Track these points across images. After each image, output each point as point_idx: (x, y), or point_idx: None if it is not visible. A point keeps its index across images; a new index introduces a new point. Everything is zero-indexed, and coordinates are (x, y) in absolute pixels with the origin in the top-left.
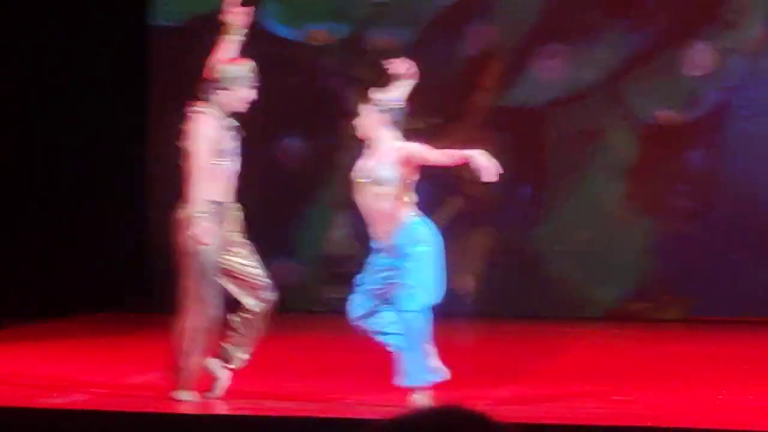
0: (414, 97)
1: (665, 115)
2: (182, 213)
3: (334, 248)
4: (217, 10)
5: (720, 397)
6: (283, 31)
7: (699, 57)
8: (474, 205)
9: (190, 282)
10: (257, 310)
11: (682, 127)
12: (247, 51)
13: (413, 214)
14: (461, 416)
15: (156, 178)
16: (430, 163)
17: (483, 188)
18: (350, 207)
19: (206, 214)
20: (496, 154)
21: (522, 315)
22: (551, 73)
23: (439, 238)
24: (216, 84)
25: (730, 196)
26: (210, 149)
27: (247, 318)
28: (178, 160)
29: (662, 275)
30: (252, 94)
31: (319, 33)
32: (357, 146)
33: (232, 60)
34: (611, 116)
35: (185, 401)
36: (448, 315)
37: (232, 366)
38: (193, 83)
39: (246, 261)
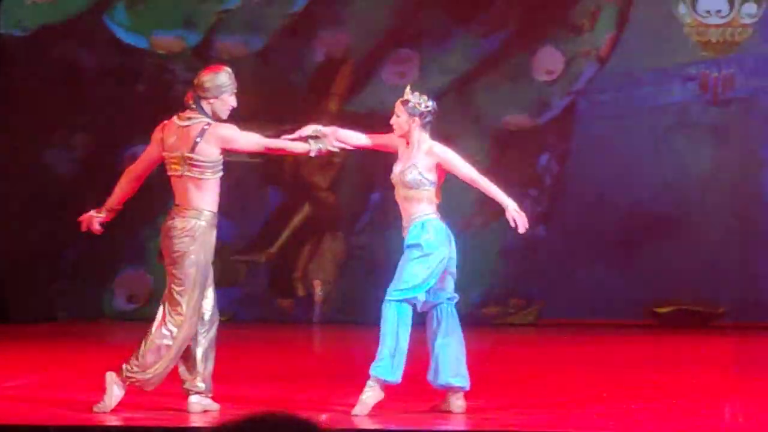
0: (264, 103)
1: (515, 119)
2: (182, 222)
3: None
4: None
5: (605, 394)
6: (130, 39)
7: (548, 61)
8: (325, 211)
9: (188, 292)
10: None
11: (531, 131)
12: (93, 59)
13: (428, 213)
14: (288, 422)
15: None
16: (459, 176)
17: (333, 195)
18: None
19: (207, 224)
20: (345, 158)
21: (372, 322)
22: (401, 79)
23: (448, 246)
24: (204, 94)
25: (576, 199)
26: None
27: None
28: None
29: (512, 279)
30: (234, 101)
31: (167, 41)
32: None
33: (210, 69)
34: (462, 121)
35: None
36: (301, 321)
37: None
38: (39, 91)
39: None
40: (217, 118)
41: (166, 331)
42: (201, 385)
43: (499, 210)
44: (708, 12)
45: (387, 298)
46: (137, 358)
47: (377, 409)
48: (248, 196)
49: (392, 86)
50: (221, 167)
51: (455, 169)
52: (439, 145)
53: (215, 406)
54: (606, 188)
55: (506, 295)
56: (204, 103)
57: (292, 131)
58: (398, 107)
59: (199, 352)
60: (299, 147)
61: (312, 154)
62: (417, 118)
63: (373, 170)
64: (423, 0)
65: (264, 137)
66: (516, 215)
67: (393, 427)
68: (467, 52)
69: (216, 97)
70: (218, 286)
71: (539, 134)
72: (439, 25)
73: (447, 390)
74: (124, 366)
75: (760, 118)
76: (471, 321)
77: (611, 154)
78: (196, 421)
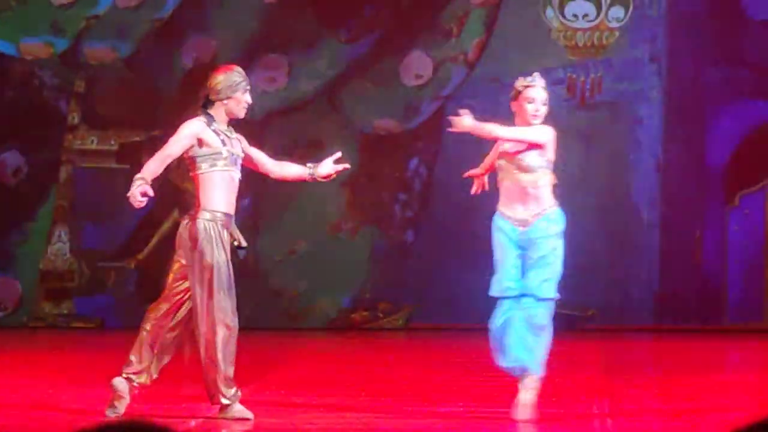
0: (133, 109)
1: (384, 124)
2: (197, 224)
3: (52, 264)
4: None
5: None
6: None
7: (417, 66)
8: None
9: (208, 296)
10: None
11: (401, 135)
12: None
13: (554, 202)
14: (144, 429)
15: None
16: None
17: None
18: (68, 222)
19: (217, 224)
20: None
21: (242, 326)
22: (270, 84)
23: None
24: (218, 95)
25: (445, 204)
26: (204, 154)
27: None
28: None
29: (382, 284)
30: (249, 98)
31: (35, 47)
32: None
33: (221, 69)
34: (330, 126)
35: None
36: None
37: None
38: None
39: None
40: (233, 118)
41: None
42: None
43: (369, 215)
44: (575, 16)
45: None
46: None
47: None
48: (116, 202)
49: (262, 92)
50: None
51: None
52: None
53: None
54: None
55: (375, 300)
56: (218, 105)
57: (163, 137)
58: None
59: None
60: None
61: (308, 178)
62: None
63: (243, 176)
64: (291, 5)
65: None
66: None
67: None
68: (336, 57)
69: (230, 97)
70: (87, 293)
71: (408, 139)
72: (307, 30)
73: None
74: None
75: (627, 122)
76: (340, 325)
77: (480, 159)
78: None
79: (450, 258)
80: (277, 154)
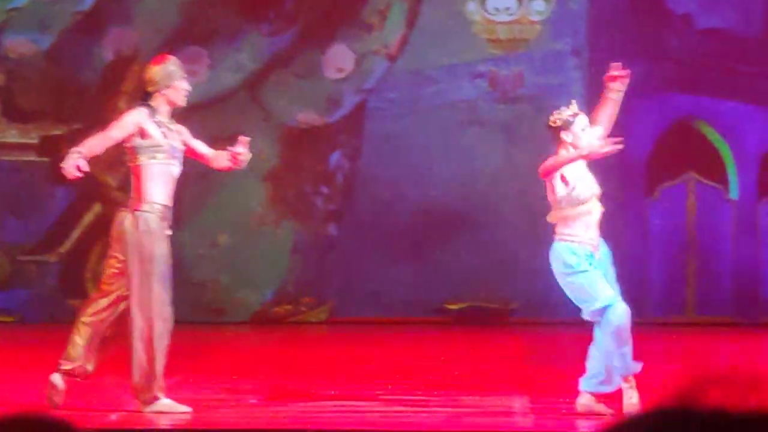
0: (54, 102)
1: (306, 117)
2: (135, 216)
3: None
4: None
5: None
6: None
7: (339, 59)
8: (115, 210)
9: (147, 289)
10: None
11: (323, 129)
12: None
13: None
14: (39, 422)
15: None
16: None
17: (124, 194)
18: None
19: (156, 216)
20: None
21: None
22: (191, 77)
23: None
24: (156, 86)
25: (368, 197)
26: (144, 146)
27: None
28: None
29: (304, 278)
30: (187, 84)
31: None
32: None
33: (155, 61)
34: (252, 119)
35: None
36: None
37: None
38: None
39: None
40: (174, 107)
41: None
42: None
43: (291, 208)
44: (497, 9)
45: None
46: None
47: None
48: (37, 196)
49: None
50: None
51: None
52: None
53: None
54: (398, 186)
55: (298, 294)
56: (158, 96)
57: (84, 130)
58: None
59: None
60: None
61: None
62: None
63: None
64: None
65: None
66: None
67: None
68: (258, 50)
69: (169, 86)
70: (7, 286)
71: (330, 132)
72: (229, 22)
73: None
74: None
75: (548, 115)
76: (263, 319)
77: (402, 152)
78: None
79: (372, 251)
80: None
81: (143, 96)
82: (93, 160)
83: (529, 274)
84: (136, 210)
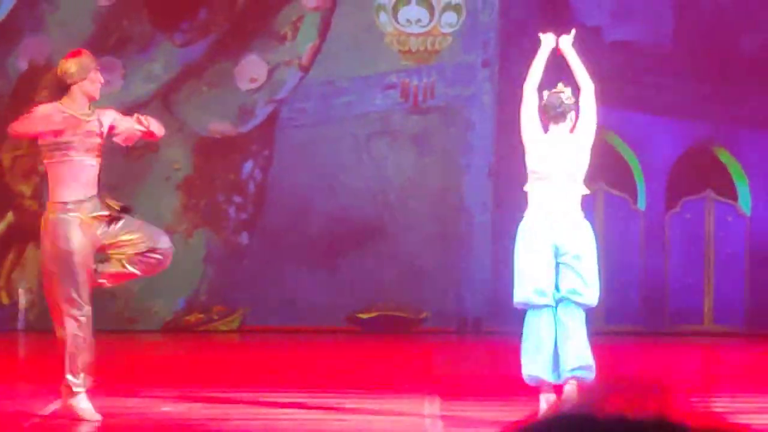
0: None
1: (219, 127)
2: (46, 217)
3: None
4: None
5: None
6: None
7: (251, 70)
8: (28, 219)
9: (63, 288)
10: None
11: (236, 138)
12: None
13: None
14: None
15: None
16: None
17: (37, 203)
18: None
19: (67, 216)
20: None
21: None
22: (105, 87)
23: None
24: (72, 78)
25: (280, 206)
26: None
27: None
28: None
29: (216, 286)
30: (101, 77)
31: None
32: None
33: (70, 55)
34: (165, 128)
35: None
36: (6, 328)
37: None
38: None
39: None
40: (90, 98)
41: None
42: None
43: (204, 217)
44: (409, 21)
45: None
46: None
47: None
48: None
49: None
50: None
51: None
52: None
53: None
54: (310, 195)
55: (210, 303)
56: (74, 88)
57: None
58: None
59: None
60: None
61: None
62: None
63: None
64: (126, 8)
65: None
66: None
67: None
68: (171, 60)
69: (84, 78)
70: None
71: (243, 142)
72: (142, 32)
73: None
74: None
75: (459, 126)
76: (175, 328)
77: (315, 162)
78: None
79: (285, 260)
80: (112, 156)
81: (58, 92)
82: (8, 168)
83: (440, 283)
84: (47, 210)
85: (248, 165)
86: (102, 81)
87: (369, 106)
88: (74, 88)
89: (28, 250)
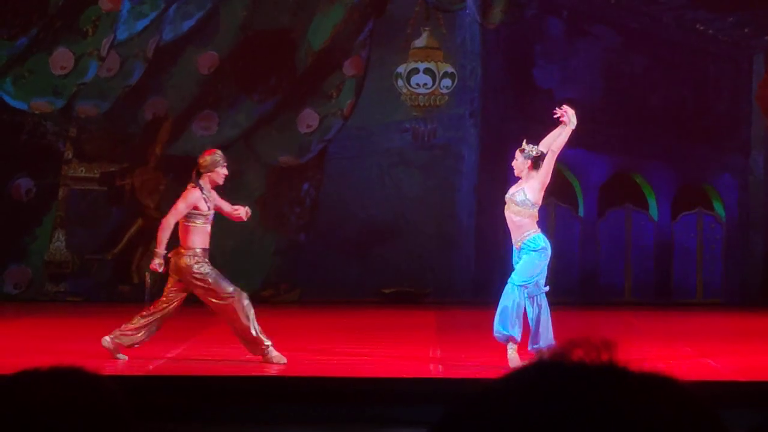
0: (110, 146)
1: (285, 159)
2: (184, 259)
3: (53, 256)
4: None
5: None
6: (14, 103)
7: (308, 119)
8: (152, 223)
9: (220, 292)
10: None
11: (296, 167)
12: None
13: (534, 231)
14: (71, 376)
15: None
16: (554, 147)
17: (159, 212)
18: (65, 227)
19: (200, 257)
20: (166, 191)
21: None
22: (205, 131)
23: (549, 247)
24: (206, 169)
25: (328, 214)
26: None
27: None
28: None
29: (283, 271)
30: (226, 171)
31: (41, 104)
32: (71, 183)
33: (208, 152)
34: (247, 161)
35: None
36: (137, 301)
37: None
38: None
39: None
40: (215, 185)
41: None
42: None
43: (274, 223)
44: (418, 84)
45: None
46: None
47: None
48: (98, 214)
49: (200, 136)
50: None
51: (552, 148)
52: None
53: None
54: (348, 207)
55: (278, 282)
56: (205, 176)
57: (130, 167)
58: (517, 154)
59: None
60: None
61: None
62: (530, 161)
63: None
64: (221, 76)
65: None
66: (568, 112)
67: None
68: (250, 112)
69: (213, 171)
70: (77, 276)
71: (302, 169)
72: (231, 93)
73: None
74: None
75: (453, 159)
76: (253, 300)
77: (352, 183)
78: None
79: (330, 252)
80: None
81: (196, 174)
82: (138, 188)
83: (439, 268)
84: (182, 254)
85: (305, 186)
86: (226, 174)
87: (390, 144)
88: (205, 176)
89: (151, 244)
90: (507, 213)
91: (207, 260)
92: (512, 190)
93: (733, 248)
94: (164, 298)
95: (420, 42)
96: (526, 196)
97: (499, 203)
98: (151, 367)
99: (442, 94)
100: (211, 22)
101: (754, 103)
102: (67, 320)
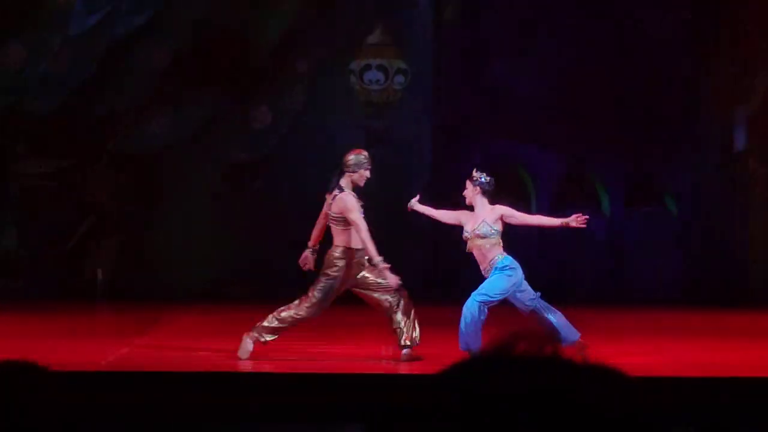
0: (67, 144)
1: (238, 156)
2: (335, 251)
3: (4, 252)
4: None
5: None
6: None
7: (261, 115)
8: (106, 220)
9: (321, 292)
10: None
11: (250, 164)
12: None
13: (501, 254)
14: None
15: None
16: (526, 223)
17: (112, 205)
18: (16, 222)
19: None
20: (118, 187)
21: (143, 298)
22: (158, 128)
23: (519, 268)
24: (349, 169)
25: (281, 212)
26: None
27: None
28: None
29: (237, 268)
30: (369, 174)
31: None
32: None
33: (355, 151)
34: (200, 158)
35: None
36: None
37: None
38: None
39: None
40: (356, 186)
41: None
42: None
43: (230, 217)
44: (371, 81)
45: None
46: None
47: None
48: (51, 209)
49: (152, 133)
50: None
51: (515, 216)
52: (498, 205)
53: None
54: (301, 204)
55: (231, 278)
56: (346, 176)
57: (80, 164)
58: (467, 183)
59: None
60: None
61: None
62: (478, 188)
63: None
64: (172, 71)
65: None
66: (573, 222)
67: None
68: (204, 108)
69: (355, 172)
70: (30, 272)
71: (255, 166)
72: (184, 89)
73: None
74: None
75: (407, 151)
76: (206, 296)
77: (305, 180)
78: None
79: (285, 249)
80: (166, 176)
81: (339, 172)
82: (91, 184)
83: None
84: (333, 249)
85: (260, 182)
86: (368, 177)
87: (343, 140)
88: (348, 176)
89: (102, 241)
90: (471, 249)
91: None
92: (469, 227)
93: (685, 243)
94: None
95: (373, 38)
96: (490, 226)
97: (453, 200)
98: (103, 363)
99: (396, 91)
100: (165, 18)
101: (706, 98)
102: (17, 316)
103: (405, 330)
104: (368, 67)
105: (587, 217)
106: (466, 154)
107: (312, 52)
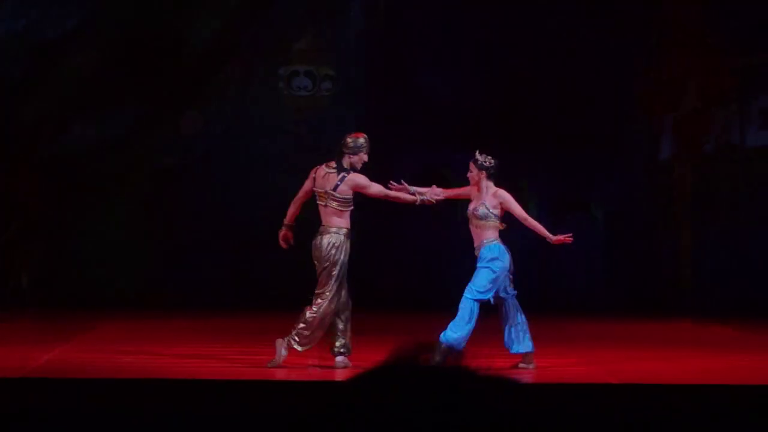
0: None
1: (168, 161)
2: (329, 238)
3: None
4: None
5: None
6: None
7: (191, 120)
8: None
9: (332, 284)
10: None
11: (180, 169)
12: None
13: (492, 239)
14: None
15: None
16: (513, 214)
17: (42, 205)
18: None
19: (345, 237)
20: (44, 191)
21: (75, 304)
22: (86, 131)
23: (508, 256)
24: (347, 151)
25: (211, 217)
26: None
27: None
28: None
29: (165, 275)
30: (366, 158)
31: None
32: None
33: (356, 134)
34: (130, 163)
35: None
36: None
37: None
38: None
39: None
40: (353, 169)
41: (314, 310)
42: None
43: (159, 224)
44: (299, 87)
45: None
46: (298, 331)
47: None
48: None
49: (80, 137)
50: (351, 202)
51: (511, 209)
52: (501, 190)
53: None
54: (229, 210)
55: (159, 286)
56: (345, 157)
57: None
58: (471, 165)
59: (341, 325)
60: (409, 198)
61: (417, 204)
62: (484, 172)
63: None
64: (101, 75)
65: (384, 188)
66: (559, 238)
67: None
68: (134, 112)
69: (355, 154)
70: None
71: (186, 170)
72: (113, 93)
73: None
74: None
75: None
76: (134, 303)
77: (235, 186)
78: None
79: (213, 257)
80: (88, 182)
81: (339, 153)
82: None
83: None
84: (327, 233)
85: (188, 188)
86: (366, 161)
87: (273, 146)
88: (347, 157)
89: (30, 243)
90: (470, 226)
91: (345, 245)
92: (471, 206)
93: (613, 251)
94: None
95: (301, 44)
96: (488, 210)
97: (381, 204)
98: (27, 368)
99: (323, 96)
100: (94, 22)
101: (633, 107)
102: None
103: (342, 335)
104: (296, 73)
105: (571, 239)
106: (396, 161)
107: (242, 57)
